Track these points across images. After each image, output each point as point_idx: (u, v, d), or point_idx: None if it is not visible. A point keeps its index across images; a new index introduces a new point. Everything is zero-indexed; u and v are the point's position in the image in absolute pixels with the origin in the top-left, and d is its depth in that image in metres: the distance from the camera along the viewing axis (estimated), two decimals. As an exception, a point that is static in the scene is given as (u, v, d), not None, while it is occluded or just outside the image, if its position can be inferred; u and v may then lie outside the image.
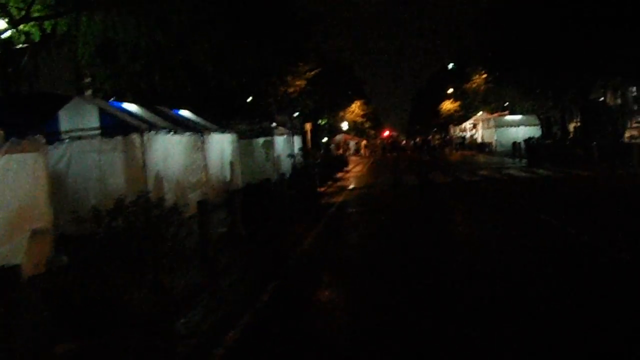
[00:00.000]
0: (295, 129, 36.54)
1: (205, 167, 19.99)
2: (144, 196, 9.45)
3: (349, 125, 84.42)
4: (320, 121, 69.50)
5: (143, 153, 15.27)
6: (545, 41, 41.84)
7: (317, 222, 15.45)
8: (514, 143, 45.38)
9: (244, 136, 29.62)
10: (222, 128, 22.65)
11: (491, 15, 50.66)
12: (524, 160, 38.30)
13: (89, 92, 25.65)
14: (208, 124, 22.79)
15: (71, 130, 15.72)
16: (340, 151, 66.65)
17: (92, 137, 15.52)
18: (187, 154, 18.81)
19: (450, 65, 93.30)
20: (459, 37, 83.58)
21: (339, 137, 78.42)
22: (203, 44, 29.75)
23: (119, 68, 27.79)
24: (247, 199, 13.69)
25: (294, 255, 11.41)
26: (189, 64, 29.90)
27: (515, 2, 45.51)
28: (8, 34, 21.36)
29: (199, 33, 29.48)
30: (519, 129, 54.71)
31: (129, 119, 16.19)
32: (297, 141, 35.53)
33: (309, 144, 46.51)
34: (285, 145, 30.42)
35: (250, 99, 37.10)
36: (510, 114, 61.14)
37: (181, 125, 19.44)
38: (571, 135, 52.62)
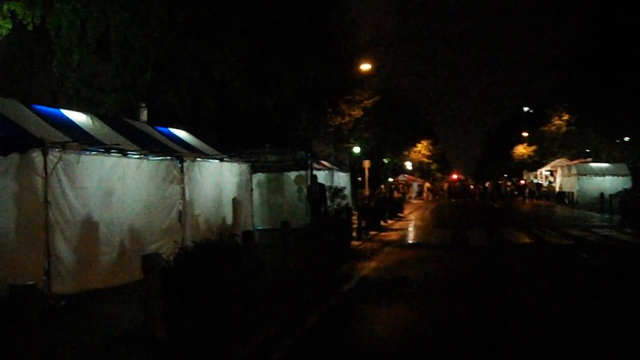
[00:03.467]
0: (342, 164, 30.78)
1: (186, 206, 14.25)
2: None
3: (413, 165, 78.92)
4: (385, 160, 64.52)
5: (46, 180, 9.58)
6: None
7: (306, 318, 8.83)
8: (602, 195, 38.53)
9: (272, 169, 24.16)
10: (222, 154, 16.83)
11: (578, 51, 45.40)
12: (616, 217, 31.35)
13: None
14: (209, 150, 17.10)
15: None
16: (400, 193, 60.54)
17: (-18, 153, 9.96)
18: (153, 187, 13.13)
19: (526, 109, 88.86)
20: (536, 77, 79.02)
21: (401, 177, 72.64)
22: (228, 55, 24.75)
23: (126, 78, 23.01)
24: (190, 270, 7.72)
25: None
26: (213, 79, 24.98)
27: (606, 38, 40.43)
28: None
29: (222, 42, 24.45)
30: (605, 178, 48.57)
31: (42, 128, 10.54)
32: (343, 178, 29.86)
33: (366, 184, 40.65)
34: (326, 183, 24.80)
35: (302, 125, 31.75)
36: (594, 161, 54.71)
37: (154, 147, 13.79)
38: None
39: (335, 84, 33.38)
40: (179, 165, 13.83)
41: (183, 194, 13.88)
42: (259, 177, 24.05)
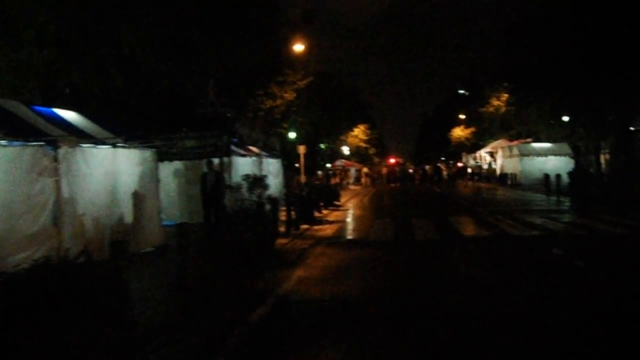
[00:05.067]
0: (273, 150, 28.00)
1: (64, 204, 11.29)
2: None
3: (351, 150, 76.71)
4: (321, 145, 62.21)
5: None
6: (582, 57, 34.99)
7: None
8: (548, 176, 37.04)
9: (190, 156, 21.34)
10: (117, 138, 13.80)
11: (518, 30, 43.79)
12: (563, 199, 29.88)
13: None
14: (103, 134, 14.07)
15: None
16: (337, 179, 58.15)
17: None
18: (12, 182, 10.13)
19: (462, 91, 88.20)
20: (474, 60, 78.11)
21: (339, 162, 70.32)
22: (139, 30, 21.96)
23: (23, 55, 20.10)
24: (6, 312, 4.92)
25: None
26: (123, 56, 22.18)
27: (547, 15, 38.93)
28: None
29: (132, 14, 21.55)
30: (547, 158, 47.40)
31: None
32: (274, 165, 27.10)
33: (302, 171, 37.99)
34: (253, 171, 22.18)
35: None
36: (534, 141, 53.71)
37: (15, 130, 10.74)
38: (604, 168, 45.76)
39: (264, 63, 30.65)
40: (52, 152, 10.82)
41: (59, 189, 10.89)
42: (176, 165, 21.30)
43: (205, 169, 18.15)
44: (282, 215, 18.45)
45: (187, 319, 7.88)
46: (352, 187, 58.53)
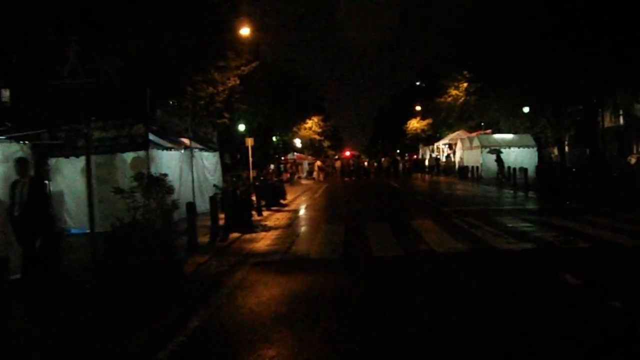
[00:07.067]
0: (209, 142, 24.34)
1: None
2: None
3: (304, 143, 73.50)
4: (274, 138, 58.97)
5: None
6: (545, 45, 32.91)
7: None
8: (515, 170, 34.71)
9: (100, 149, 17.71)
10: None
11: (479, 15, 41.21)
12: (533, 194, 27.63)
13: None
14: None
15: None
16: (288, 174, 54.81)
17: None
18: None
19: (418, 83, 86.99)
20: (431, 49, 76.39)
21: (290, 156, 66.93)
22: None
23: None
24: None
25: None
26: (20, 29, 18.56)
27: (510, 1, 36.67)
28: None
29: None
30: (510, 150, 44.85)
31: None
32: (210, 160, 23.53)
33: (250, 165, 34.48)
34: (182, 167, 18.79)
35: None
36: (495, 132, 51.54)
37: None
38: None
39: (201, 45, 27.02)
40: None
41: None
42: (83, 161, 17.42)
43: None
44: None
45: None
46: (304, 181, 55.08)
